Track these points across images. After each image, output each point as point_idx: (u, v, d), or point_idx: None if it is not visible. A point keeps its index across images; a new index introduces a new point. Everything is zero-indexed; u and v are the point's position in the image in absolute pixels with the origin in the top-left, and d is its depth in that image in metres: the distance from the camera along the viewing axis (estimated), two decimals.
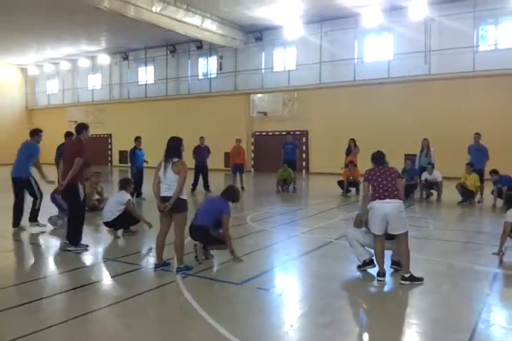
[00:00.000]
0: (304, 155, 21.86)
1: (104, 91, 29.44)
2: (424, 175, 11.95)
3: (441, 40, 18.61)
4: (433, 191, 12.09)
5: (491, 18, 18.40)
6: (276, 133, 22.40)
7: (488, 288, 4.85)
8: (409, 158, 13.16)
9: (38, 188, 8.06)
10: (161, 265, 5.44)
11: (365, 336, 3.91)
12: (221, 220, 5.70)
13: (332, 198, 12.60)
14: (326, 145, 20.84)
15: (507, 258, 6.02)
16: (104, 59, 28.31)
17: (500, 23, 18.51)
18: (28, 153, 7.92)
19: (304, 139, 21.97)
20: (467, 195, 11.22)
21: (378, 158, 5.42)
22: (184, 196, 5.32)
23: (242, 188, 14.21)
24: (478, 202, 11.36)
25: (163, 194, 5.27)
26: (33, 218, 8.11)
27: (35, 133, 8.03)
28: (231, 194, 6.03)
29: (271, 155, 20.44)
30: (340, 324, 4.02)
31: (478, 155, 11.66)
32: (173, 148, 5.34)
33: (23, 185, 7.92)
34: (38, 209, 8.13)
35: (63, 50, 27.30)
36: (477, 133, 12.01)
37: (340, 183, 13.42)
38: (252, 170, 23.39)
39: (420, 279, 4.92)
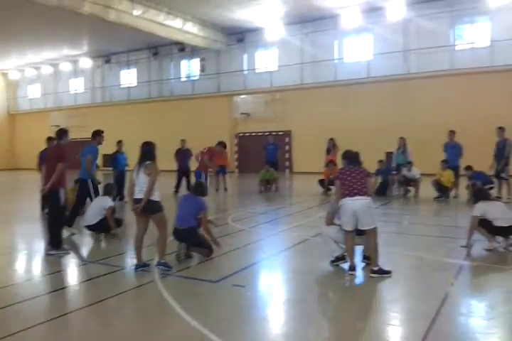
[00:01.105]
0: (287, 155, 22.11)
1: (86, 95, 29.43)
2: (404, 172, 12.37)
3: (419, 39, 19.00)
4: (410, 188, 12.46)
5: (467, 17, 18.81)
6: (260, 133, 22.60)
7: (453, 279, 5.10)
8: (383, 159, 13.61)
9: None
10: (141, 266, 5.58)
11: (334, 326, 4.10)
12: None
13: (313, 197, 12.84)
14: (308, 144, 21.09)
15: (474, 251, 6.29)
16: (86, 62, 28.29)
17: (476, 22, 18.95)
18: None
19: (286, 139, 22.22)
20: (442, 190, 11.61)
21: (348, 156, 5.66)
22: (156, 198, 5.47)
23: (225, 189, 14.38)
24: (455, 197, 11.73)
25: (136, 196, 5.47)
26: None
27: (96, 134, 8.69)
28: (199, 189, 6.40)
29: (255, 156, 20.62)
30: (311, 316, 4.21)
31: (453, 152, 12.03)
32: (147, 152, 5.56)
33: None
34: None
35: (45, 54, 27.26)
36: (451, 131, 12.33)
37: (320, 182, 13.68)
38: (236, 171, 23.55)
39: (388, 272, 5.15)
